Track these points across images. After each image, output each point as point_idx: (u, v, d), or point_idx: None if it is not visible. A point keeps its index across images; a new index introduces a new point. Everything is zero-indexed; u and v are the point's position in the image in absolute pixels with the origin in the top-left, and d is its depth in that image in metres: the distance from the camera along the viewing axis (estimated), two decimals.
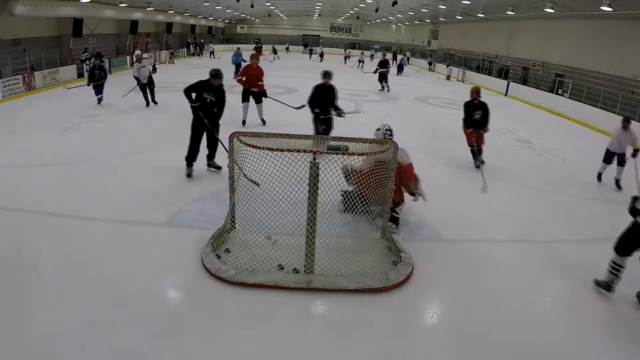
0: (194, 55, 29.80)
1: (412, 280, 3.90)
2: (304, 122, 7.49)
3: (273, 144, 3.76)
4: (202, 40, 32.65)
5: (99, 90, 11.20)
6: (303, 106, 8.27)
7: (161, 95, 11.68)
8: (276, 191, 3.94)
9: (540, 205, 6.04)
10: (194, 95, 5.96)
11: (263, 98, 9.03)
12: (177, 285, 3.82)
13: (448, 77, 23.74)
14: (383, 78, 16.22)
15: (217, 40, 37.05)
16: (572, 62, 17.02)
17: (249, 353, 3.01)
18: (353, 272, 3.79)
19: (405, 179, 4.77)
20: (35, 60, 14.68)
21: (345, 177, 4.46)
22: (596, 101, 13.70)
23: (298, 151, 3.63)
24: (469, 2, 19.98)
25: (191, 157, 6.14)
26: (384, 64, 16.56)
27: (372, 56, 31.22)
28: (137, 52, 11.92)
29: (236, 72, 17.26)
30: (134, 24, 22.55)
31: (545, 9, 15.88)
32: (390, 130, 5.02)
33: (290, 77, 18.03)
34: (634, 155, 6.77)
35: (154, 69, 10.73)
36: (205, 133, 6.14)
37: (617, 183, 7.06)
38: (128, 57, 20.14)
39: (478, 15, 22.00)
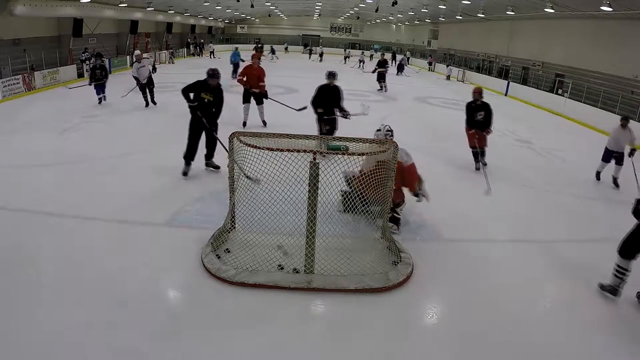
0: (194, 55, 29.80)
1: (412, 280, 3.90)
2: (305, 123, 7.48)
3: (273, 144, 3.76)
4: (202, 40, 32.65)
5: (100, 89, 11.23)
6: (305, 108, 8.23)
7: (161, 95, 11.69)
8: (276, 191, 3.94)
9: (540, 205, 6.04)
10: (192, 95, 5.96)
11: (264, 99, 8.90)
12: (177, 285, 3.82)
13: (448, 77, 23.75)
14: (381, 78, 16.22)
15: (217, 40, 37.05)
16: (572, 62, 17.02)
17: (249, 353, 3.01)
18: (353, 272, 3.79)
19: (410, 180, 4.78)
20: (35, 60, 14.68)
21: (348, 183, 4.47)
22: (596, 101, 13.70)
23: (298, 151, 3.62)
24: (469, 2, 19.99)
25: (189, 156, 6.15)
26: (382, 63, 16.56)
27: (371, 56, 31.22)
28: (137, 52, 11.91)
29: (234, 71, 17.31)
30: (134, 24, 22.56)
31: (545, 9, 15.89)
32: (391, 131, 5.01)
33: (290, 77, 18.04)
34: (631, 154, 6.83)
35: (154, 69, 10.71)
36: (203, 133, 6.15)
37: (615, 181, 7.11)
38: (128, 57, 20.14)
39: (478, 15, 22.00)
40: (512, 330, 3.38)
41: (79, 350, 2.91)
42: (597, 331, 3.45)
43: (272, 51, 30.25)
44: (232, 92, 12.97)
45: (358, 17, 40.33)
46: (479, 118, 7.10)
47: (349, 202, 4.35)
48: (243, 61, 17.65)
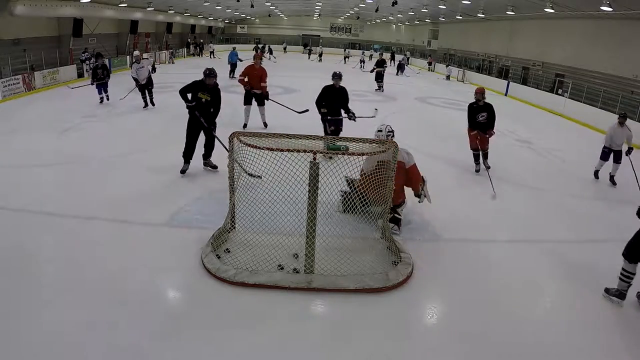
0: (194, 55, 29.79)
1: (412, 280, 3.90)
2: (306, 125, 7.44)
3: (273, 144, 3.76)
4: (202, 40, 32.64)
5: (101, 89, 11.27)
6: (306, 111, 8.19)
7: (161, 95, 11.69)
8: (276, 191, 3.94)
9: (541, 205, 6.04)
10: (189, 95, 5.98)
11: (265, 100, 8.77)
12: (177, 285, 3.82)
13: (448, 77, 23.74)
14: (379, 77, 16.24)
15: (217, 40, 37.04)
16: (572, 62, 17.02)
17: (249, 353, 3.01)
18: (353, 272, 3.79)
19: (415, 180, 4.79)
20: (35, 60, 14.68)
21: (349, 183, 4.48)
22: (596, 101, 13.70)
23: (298, 151, 3.62)
24: (469, 2, 19.99)
25: (187, 155, 6.19)
26: (380, 63, 16.59)
27: (370, 56, 31.21)
28: (136, 52, 11.91)
29: (231, 71, 17.32)
30: (134, 24, 22.56)
31: (545, 9, 15.89)
32: (392, 131, 5.00)
33: (290, 77, 18.04)
34: (628, 152, 6.87)
35: (154, 70, 10.65)
36: (202, 132, 6.17)
37: (612, 179, 7.15)
38: (128, 57, 20.14)
39: (478, 15, 22.01)
40: (512, 330, 3.38)
41: (79, 350, 2.91)
42: (597, 331, 3.45)
43: (270, 51, 29.77)
44: (232, 92, 13.00)
45: (358, 17, 40.33)
46: (481, 119, 6.91)
47: (348, 203, 4.36)
48: (241, 61, 17.71)
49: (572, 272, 4.31)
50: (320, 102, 7.11)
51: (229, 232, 4.41)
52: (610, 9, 12.84)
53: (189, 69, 19.71)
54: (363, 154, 4.11)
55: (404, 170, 4.69)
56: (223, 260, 3.94)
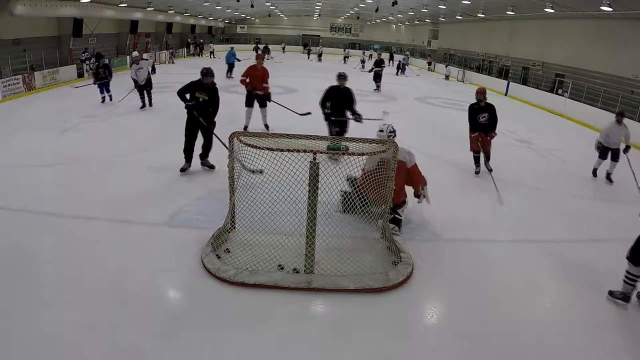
0: (194, 55, 29.79)
1: (412, 280, 3.90)
2: (307, 127, 7.37)
3: (273, 144, 3.76)
4: (202, 40, 32.64)
5: (103, 88, 11.30)
6: (309, 113, 8.14)
7: (161, 95, 11.68)
8: (276, 191, 3.94)
9: (541, 205, 6.04)
10: (187, 96, 6.00)
11: (267, 102, 8.54)
12: (177, 285, 3.82)
13: (447, 77, 23.74)
14: (377, 77, 16.24)
15: (217, 40, 37.04)
16: (572, 62, 17.02)
17: (249, 353, 3.01)
18: (353, 272, 3.79)
19: (416, 179, 4.79)
20: (35, 60, 14.68)
21: (350, 183, 4.48)
22: (596, 101, 13.70)
23: (298, 151, 3.62)
24: (469, 2, 19.99)
25: (188, 154, 6.23)
26: (379, 63, 16.64)
27: (370, 56, 31.21)
28: (135, 53, 11.87)
29: (228, 71, 17.33)
30: (134, 24, 22.56)
31: (545, 9, 15.89)
32: (394, 131, 4.98)
33: (290, 77, 18.04)
34: (626, 151, 6.92)
35: (153, 70, 10.59)
36: (200, 132, 6.18)
37: (608, 176, 7.20)
38: (128, 57, 20.12)
39: (478, 15, 22.01)
40: (512, 330, 3.38)
41: (79, 350, 2.91)
42: (597, 331, 3.45)
43: (267, 51, 29.68)
44: (233, 92, 13.00)
45: (358, 17, 40.33)
46: (482, 120, 6.76)
47: (348, 203, 4.36)
48: (239, 60, 17.76)
49: (572, 272, 4.31)
50: (325, 102, 7.03)
51: (229, 232, 4.40)
52: (610, 9, 12.85)
53: (189, 69, 19.69)
54: (363, 154, 4.11)
55: (405, 170, 4.69)
56: (223, 260, 3.94)
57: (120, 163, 6.78)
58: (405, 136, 5.06)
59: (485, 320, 3.48)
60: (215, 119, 6.21)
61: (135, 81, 10.74)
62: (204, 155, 6.39)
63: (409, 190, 4.95)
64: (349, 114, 7.11)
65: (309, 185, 3.59)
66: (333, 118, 7.03)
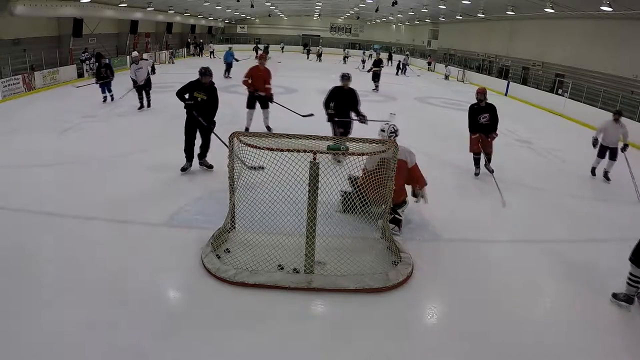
0: (194, 55, 29.79)
1: (412, 280, 3.89)
2: (309, 128, 7.33)
3: (273, 144, 3.76)
4: (202, 40, 32.64)
5: (105, 88, 11.33)
6: (311, 115, 8.09)
7: (161, 95, 11.68)
8: (276, 191, 3.94)
9: (541, 205, 6.04)
10: (186, 96, 6.02)
11: (269, 103, 8.43)
12: (177, 285, 3.82)
13: (446, 77, 23.74)
14: (376, 77, 16.25)
15: (217, 40, 37.04)
16: (572, 62, 17.02)
17: (249, 353, 3.00)
18: (353, 272, 3.79)
19: (416, 178, 4.80)
20: (35, 60, 14.68)
21: (351, 183, 4.48)
22: (596, 101, 13.71)
23: (298, 151, 3.62)
24: (469, 2, 20.00)
25: (188, 153, 6.25)
26: (377, 63, 16.68)
27: (370, 56, 31.22)
28: (134, 53, 11.83)
29: (226, 71, 17.34)
30: (134, 24, 22.56)
31: (545, 9, 15.89)
32: (395, 132, 4.95)
33: (290, 77, 18.04)
34: (624, 149, 6.96)
35: (153, 71, 10.53)
36: (198, 132, 6.19)
37: (606, 175, 7.25)
38: (128, 57, 20.14)
39: (478, 15, 22.01)
40: (512, 330, 3.38)
41: (79, 350, 2.91)
42: (597, 331, 3.45)
43: (265, 50, 29.73)
44: (232, 92, 13.01)
45: (358, 17, 40.33)
46: (483, 121, 6.64)
47: (348, 203, 4.36)
48: (237, 61, 17.80)
49: (572, 272, 4.31)
50: (328, 103, 6.96)
51: (229, 232, 4.40)
52: (610, 9, 12.85)
53: (189, 69, 19.68)
54: (363, 154, 4.12)
55: (406, 169, 4.70)
56: (223, 260, 3.94)
57: (120, 163, 6.78)
58: (405, 136, 5.06)
59: (485, 320, 3.48)
60: (215, 119, 6.22)
61: (134, 81, 10.70)
62: (202, 155, 6.40)
63: (408, 189, 4.96)
64: (353, 115, 7.04)
65: (309, 185, 3.59)
66: (337, 119, 6.96)
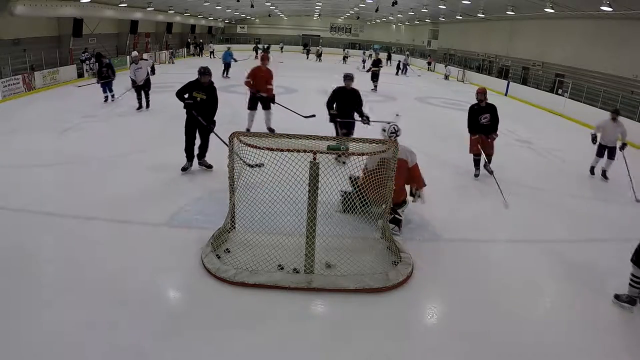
0: (194, 55, 29.80)
1: (412, 280, 3.89)
2: (310, 129, 7.30)
3: (273, 144, 3.76)
4: (202, 40, 32.64)
5: (106, 88, 11.33)
6: (313, 116, 8.04)
7: (161, 95, 11.67)
8: (276, 191, 3.94)
9: (540, 205, 6.03)
10: (186, 96, 6.02)
11: (271, 104, 8.30)
12: (177, 285, 3.82)
13: (446, 77, 23.73)
14: (374, 77, 16.28)
15: (217, 40, 37.04)
16: (572, 62, 17.02)
17: (249, 353, 3.01)
18: (353, 272, 3.79)
19: (416, 178, 4.80)
20: (35, 60, 14.68)
21: (352, 183, 4.48)
22: (596, 101, 13.70)
23: (298, 151, 3.62)
24: (469, 2, 20.00)
25: (188, 153, 6.25)
26: (376, 63, 16.72)
27: (370, 56, 31.21)
28: (134, 53, 11.80)
29: (225, 71, 17.34)
30: (134, 24, 22.56)
31: (545, 9, 15.89)
32: (396, 132, 4.93)
33: (290, 77, 18.04)
34: (622, 148, 7.00)
35: (153, 71, 10.46)
36: (197, 131, 6.19)
37: (604, 174, 7.30)
38: (128, 57, 20.14)
39: (478, 15, 22.01)
40: (512, 330, 3.38)
41: (79, 350, 2.91)
42: (597, 331, 3.45)
43: (264, 50, 29.61)
44: (232, 92, 13.01)
45: (358, 17, 40.33)
46: (483, 121, 6.55)
47: (348, 203, 4.36)
48: (235, 61, 17.83)
49: (572, 272, 4.31)
50: (331, 104, 6.89)
51: (229, 232, 4.40)
52: (610, 9, 12.84)
53: (189, 69, 19.65)
54: (363, 154, 4.12)
55: (407, 168, 4.70)
56: (223, 260, 3.94)
57: (120, 163, 6.78)
58: (405, 136, 5.06)
59: (485, 320, 3.48)
60: (215, 119, 6.22)
61: (133, 81, 10.58)
62: (201, 155, 6.41)
63: (407, 189, 4.96)
64: (356, 116, 6.97)
65: (309, 185, 3.59)
66: (339, 119, 6.89)
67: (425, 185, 4.90)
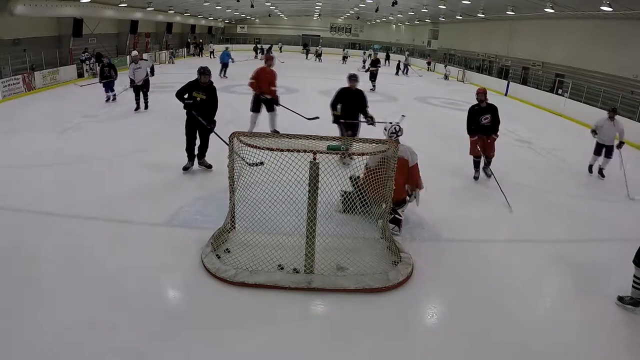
0: (194, 56, 29.79)
1: (412, 280, 3.89)
2: (313, 130, 7.31)
3: (273, 144, 3.76)
4: (202, 40, 32.64)
5: (108, 87, 11.35)
6: (316, 118, 7.99)
7: (161, 95, 11.67)
8: (276, 191, 3.94)
9: (541, 205, 6.03)
10: (186, 96, 6.02)
11: (275, 106, 8.13)
12: (177, 285, 3.82)
13: (446, 77, 23.71)
14: (373, 77, 16.30)
15: (217, 40, 37.02)
16: (572, 62, 17.02)
17: (249, 353, 3.00)
18: (353, 272, 3.79)
19: (414, 178, 4.80)
20: (35, 60, 14.68)
21: (353, 183, 4.48)
22: (596, 101, 13.71)
23: (298, 151, 3.62)
24: (469, 2, 19.99)
25: (189, 153, 6.26)
26: (374, 63, 16.76)
27: (369, 55, 31.18)
28: (134, 52, 11.76)
29: (222, 70, 17.35)
30: (134, 24, 22.56)
31: (545, 9, 15.88)
32: (396, 132, 4.91)
33: (290, 77, 18.04)
34: (619, 147, 7.06)
35: (152, 72, 10.36)
36: (198, 132, 6.20)
37: (601, 171, 7.39)
38: (128, 57, 20.13)
39: (478, 15, 22.00)
40: (512, 330, 3.38)
41: (79, 350, 2.91)
42: (597, 331, 3.45)
43: (262, 50, 29.20)
44: (232, 92, 13.02)
45: (358, 17, 40.32)
46: (484, 122, 6.45)
47: (348, 203, 4.36)
48: (233, 61, 17.84)
49: (572, 272, 4.31)
50: (335, 104, 6.81)
51: (229, 232, 4.40)
52: (610, 9, 12.84)
53: (189, 69, 19.61)
54: (363, 154, 4.12)
55: (407, 167, 4.71)
56: (223, 260, 3.94)
57: (120, 163, 6.78)
58: (405, 136, 5.06)
59: (485, 320, 3.48)
60: (215, 118, 6.22)
61: (131, 80, 10.47)
62: (200, 155, 6.41)
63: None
64: (361, 117, 6.89)
65: (309, 185, 3.59)
66: (342, 120, 6.80)
67: (422, 187, 4.89)
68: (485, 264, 4.36)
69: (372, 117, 6.86)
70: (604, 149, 7.28)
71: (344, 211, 4.51)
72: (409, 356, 3.12)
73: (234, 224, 4.44)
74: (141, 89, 10.56)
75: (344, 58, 30.06)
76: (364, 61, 26.72)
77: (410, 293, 3.74)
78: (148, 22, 24.81)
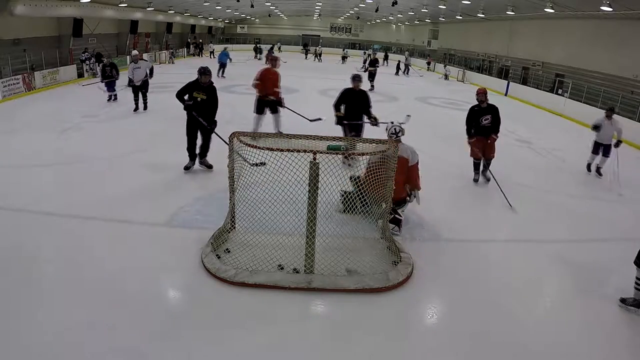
0: (194, 56, 29.79)
1: (412, 280, 3.89)
2: (315, 132, 7.31)
3: (273, 144, 3.76)
4: (202, 40, 32.63)
5: (110, 87, 11.37)
6: (319, 119, 7.94)
7: (161, 95, 11.67)
8: (276, 191, 3.94)
9: (541, 205, 6.03)
10: (186, 97, 6.02)
11: (279, 107, 8.02)
12: (177, 285, 3.82)
13: (446, 77, 23.71)
14: (371, 77, 16.33)
15: (217, 40, 37.01)
16: (572, 62, 17.02)
17: (249, 353, 3.00)
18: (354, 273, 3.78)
19: (413, 178, 4.80)
20: (35, 60, 14.68)
21: (353, 182, 4.48)
22: (596, 101, 13.71)
23: (298, 151, 3.62)
24: (469, 2, 19.99)
25: (191, 153, 6.27)
26: (373, 62, 16.80)
27: (369, 55, 31.16)
28: (134, 52, 11.75)
29: (220, 70, 17.35)
30: (134, 24, 22.56)
31: (545, 9, 15.89)
32: (397, 133, 4.90)
33: (290, 77, 18.02)
34: (617, 145, 7.15)
35: (151, 74, 10.26)
36: (199, 132, 6.20)
37: (598, 170, 7.46)
38: (128, 57, 20.14)
39: (478, 15, 22.00)
40: (512, 330, 3.38)
41: (79, 350, 2.91)
42: (597, 331, 3.45)
43: (260, 51, 29.11)
44: (232, 92, 13.02)
45: (358, 17, 40.33)
46: (485, 123, 6.36)
47: (348, 203, 4.36)
48: (231, 61, 17.85)
49: (572, 271, 4.31)
50: (339, 105, 6.75)
51: (229, 232, 4.40)
52: (610, 9, 12.84)
53: (189, 69, 19.61)
54: (363, 154, 4.12)
55: (407, 167, 4.71)
56: (223, 260, 3.94)
57: (120, 163, 6.78)
58: (406, 136, 5.06)
59: (485, 320, 3.48)
60: (215, 118, 6.22)
61: (130, 80, 10.37)
62: (202, 155, 6.41)
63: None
64: (365, 118, 6.82)
65: (309, 185, 3.59)
66: (346, 122, 6.74)
67: (419, 188, 4.89)
68: (485, 264, 4.36)
69: (375, 118, 6.79)
70: (601, 148, 7.34)
71: (344, 211, 4.51)
72: (409, 356, 3.12)
73: (234, 224, 4.44)
74: (140, 89, 10.49)
75: (344, 58, 30.05)
76: (365, 61, 26.73)
77: (410, 293, 3.74)
78: (148, 22, 24.81)
